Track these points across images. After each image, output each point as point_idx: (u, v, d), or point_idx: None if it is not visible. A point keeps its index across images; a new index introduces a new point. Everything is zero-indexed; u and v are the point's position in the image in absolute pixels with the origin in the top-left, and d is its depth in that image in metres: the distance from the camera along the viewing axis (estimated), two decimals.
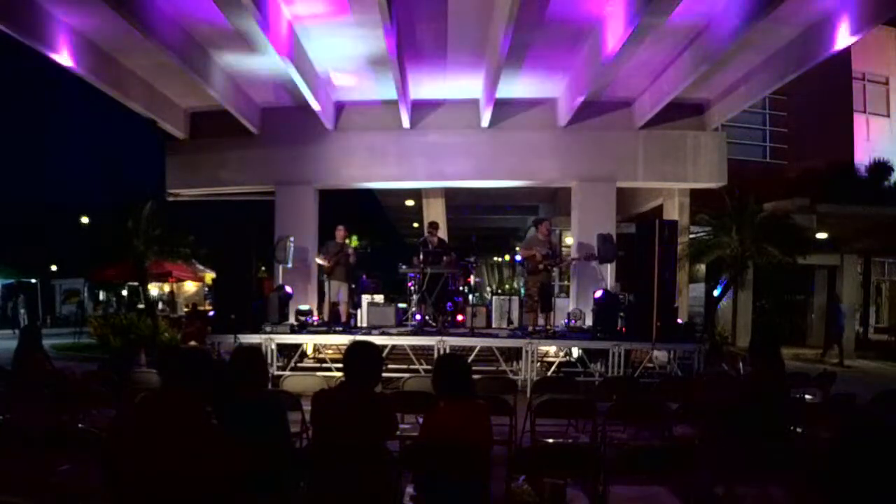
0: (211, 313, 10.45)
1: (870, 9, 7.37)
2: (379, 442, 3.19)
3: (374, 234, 10.82)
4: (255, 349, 3.82)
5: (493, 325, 10.92)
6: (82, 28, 8.43)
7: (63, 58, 8.27)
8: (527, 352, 8.70)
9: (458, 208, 16.96)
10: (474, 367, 8.54)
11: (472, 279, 11.63)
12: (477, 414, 3.31)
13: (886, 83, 18.62)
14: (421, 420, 3.47)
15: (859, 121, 17.90)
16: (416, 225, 19.04)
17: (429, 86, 11.10)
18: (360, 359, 3.28)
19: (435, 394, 3.45)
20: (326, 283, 10.59)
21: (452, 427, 3.20)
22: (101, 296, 26.21)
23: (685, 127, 11.62)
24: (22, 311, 22.02)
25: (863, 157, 16.97)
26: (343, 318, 10.34)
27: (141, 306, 16.13)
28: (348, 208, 18.37)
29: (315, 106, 10.51)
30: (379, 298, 11.36)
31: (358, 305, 11.13)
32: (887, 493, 1.10)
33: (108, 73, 9.40)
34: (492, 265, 23.05)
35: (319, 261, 10.67)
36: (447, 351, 8.53)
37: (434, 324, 9.81)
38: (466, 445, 3.14)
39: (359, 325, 10.60)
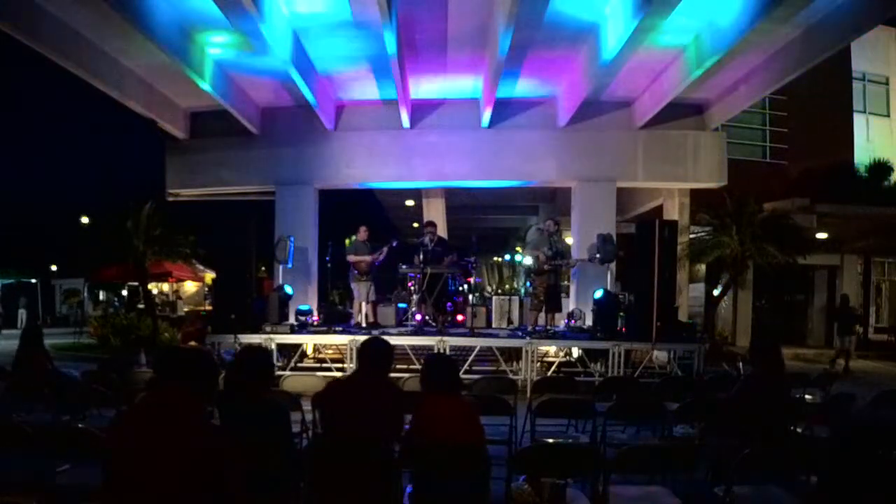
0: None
1: (869, 9, 7.37)
2: (385, 437, 3.21)
3: (375, 234, 10.72)
4: (263, 349, 3.84)
5: (493, 325, 10.92)
6: (82, 28, 8.43)
7: (62, 58, 8.27)
8: (527, 352, 8.70)
9: (458, 208, 16.97)
10: (474, 368, 8.62)
11: (472, 279, 11.63)
12: (463, 409, 3.37)
13: (886, 83, 18.64)
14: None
15: (859, 121, 17.90)
16: (416, 225, 19.07)
17: (429, 86, 11.10)
18: (375, 352, 3.41)
19: (422, 391, 3.54)
20: (357, 285, 10.19)
21: (439, 422, 3.25)
22: (101, 296, 26.23)
23: (685, 127, 11.60)
24: (21, 311, 22.02)
25: (863, 157, 16.98)
26: (373, 318, 10.27)
27: (141, 306, 16.15)
28: (348, 208, 18.41)
29: (315, 106, 10.52)
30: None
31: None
32: (881, 491, 1.10)
33: (108, 73, 9.40)
34: (492, 265, 23.03)
35: (359, 258, 10.10)
36: (447, 351, 8.54)
37: (434, 324, 9.81)
38: (456, 440, 3.18)
39: (360, 324, 10.60)
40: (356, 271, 10.14)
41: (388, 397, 3.37)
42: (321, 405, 3.47)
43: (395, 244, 10.27)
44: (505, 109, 11.24)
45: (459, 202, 16.52)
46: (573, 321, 10.39)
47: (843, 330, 12.73)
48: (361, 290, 10.21)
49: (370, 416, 3.19)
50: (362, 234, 10.34)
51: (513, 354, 9.14)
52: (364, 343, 3.52)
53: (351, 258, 10.16)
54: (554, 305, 9.64)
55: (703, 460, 3.70)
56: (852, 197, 13.81)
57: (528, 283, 10.14)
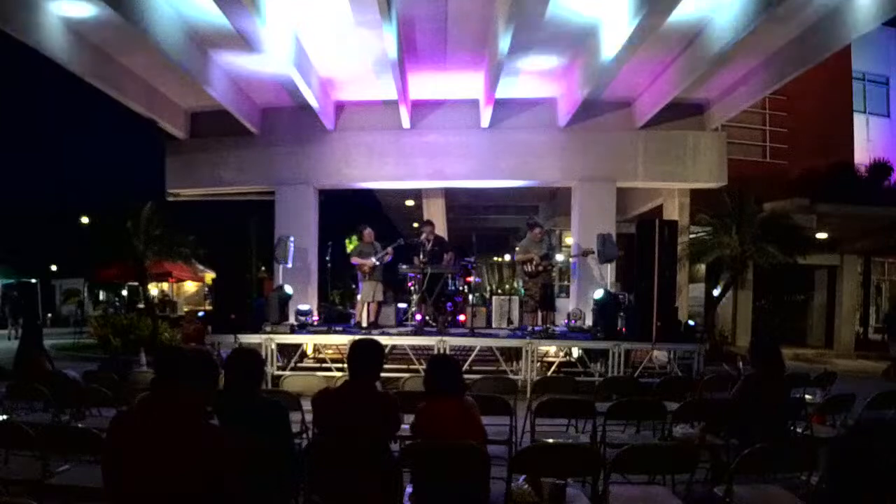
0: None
1: (869, 9, 7.37)
2: (382, 441, 3.21)
3: (378, 234, 10.70)
4: (253, 352, 3.83)
5: (493, 325, 10.92)
6: (81, 27, 8.42)
7: (62, 57, 8.26)
8: (527, 352, 8.70)
9: (458, 208, 16.97)
10: (474, 368, 8.62)
11: (472, 279, 11.63)
12: (465, 410, 3.35)
13: (886, 83, 18.64)
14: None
15: (859, 121, 17.90)
16: (416, 225, 19.06)
17: (429, 86, 11.09)
18: (363, 355, 3.37)
19: (425, 392, 3.52)
20: (365, 283, 10.19)
21: (440, 422, 3.24)
22: (102, 296, 26.22)
23: (685, 127, 11.59)
24: (9, 309, 21.92)
25: (863, 157, 16.98)
26: (374, 318, 10.20)
27: (141, 306, 16.16)
28: (348, 208, 18.40)
29: (315, 106, 10.52)
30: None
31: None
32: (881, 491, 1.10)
33: (108, 73, 9.39)
34: (492, 265, 23.05)
35: (362, 262, 10.10)
36: (447, 351, 8.54)
37: (434, 324, 9.81)
38: (457, 442, 3.17)
39: (360, 324, 10.60)
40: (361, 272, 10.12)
41: (379, 401, 3.33)
42: (316, 412, 3.44)
43: (401, 243, 10.22)
44: (505, 109, 11.23)
45: (459, 202, 16.52)
46: (573, 321, 10.39)
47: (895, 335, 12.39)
48: (367, 289, 10.17)
49: (363, 420, 3.16)
50: (367, 236, 10.27)
51: (513, 354, 9.13)
52: (353, 344, 3.47)
53: (354, 261, 10.13)
54: (548, 306, 9.67)
55: (703, 460, 3.70)
56: (852, 197, 13.80)
57: (522, 285, 10.18)
